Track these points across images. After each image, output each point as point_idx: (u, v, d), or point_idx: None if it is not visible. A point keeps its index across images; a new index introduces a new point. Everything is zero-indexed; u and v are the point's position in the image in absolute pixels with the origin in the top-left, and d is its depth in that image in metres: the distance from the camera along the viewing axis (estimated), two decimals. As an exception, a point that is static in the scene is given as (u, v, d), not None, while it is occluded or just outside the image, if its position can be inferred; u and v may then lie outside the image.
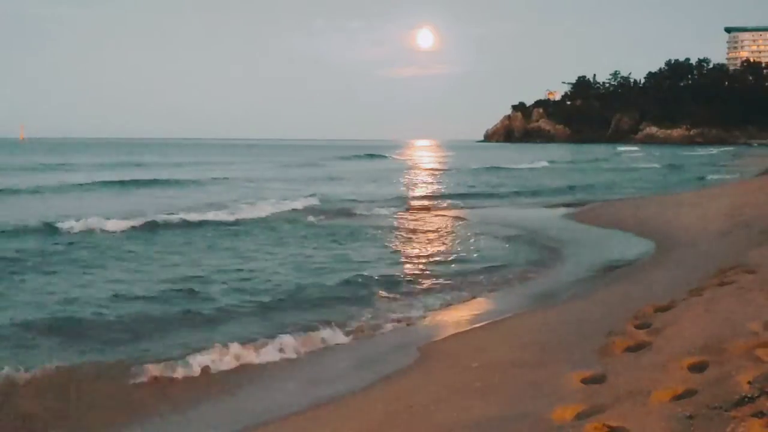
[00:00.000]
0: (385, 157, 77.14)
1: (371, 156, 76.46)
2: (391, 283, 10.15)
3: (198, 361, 6.59)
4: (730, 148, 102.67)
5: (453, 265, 11.63)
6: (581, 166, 54.61)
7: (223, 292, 9.42)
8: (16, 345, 7.11)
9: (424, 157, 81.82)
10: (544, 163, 54.81)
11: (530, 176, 40.44)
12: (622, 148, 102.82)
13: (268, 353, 7.00)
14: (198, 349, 6.83)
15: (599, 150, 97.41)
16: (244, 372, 6.60)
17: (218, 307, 8.62)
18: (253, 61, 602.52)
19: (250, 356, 6.91)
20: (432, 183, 35.57)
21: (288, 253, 12.63)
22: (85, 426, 5.50)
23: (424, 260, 12.15)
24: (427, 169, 50.11)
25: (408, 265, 11.72)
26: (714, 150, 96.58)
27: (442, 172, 46.25)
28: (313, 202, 22.14)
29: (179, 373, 6.39)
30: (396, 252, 13.13)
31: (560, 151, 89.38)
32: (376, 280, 10.23)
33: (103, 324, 7.87)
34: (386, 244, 14.10)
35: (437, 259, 12.32)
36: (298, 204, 21.08)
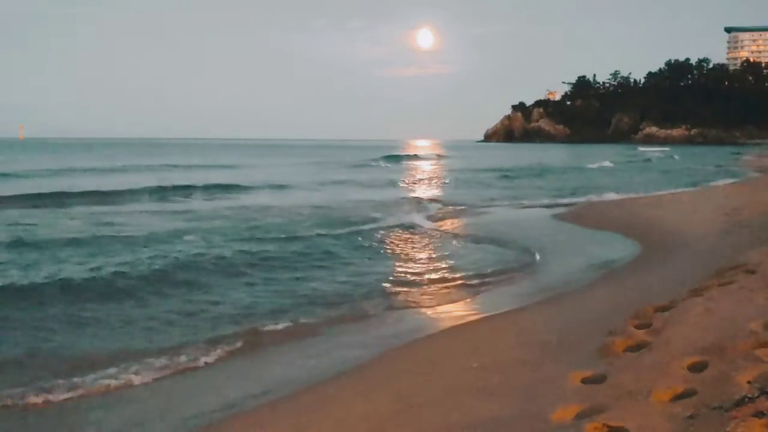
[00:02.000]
0: (425, 157, 76.75)
1: (417, 156, 75.71)
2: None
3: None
4: (743, 148, 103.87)
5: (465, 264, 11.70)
6: (638, 165, 56.63)
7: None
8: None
9: (470, 158, 74.57)
10: (608, 164, 55.54)
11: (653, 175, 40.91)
12: (643, 149, 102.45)
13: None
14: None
15: (619, 150, 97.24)
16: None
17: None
18: (253, 60, 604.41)
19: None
20: (538, 186, 32.28)
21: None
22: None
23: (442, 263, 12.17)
24: (496, 171, 43.77)
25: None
26: (734, 149, 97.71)
27: (519, 171, 42.93)
28: (428, 205, 22.01)
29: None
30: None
31: (591, 153, 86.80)
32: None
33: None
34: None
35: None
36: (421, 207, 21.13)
